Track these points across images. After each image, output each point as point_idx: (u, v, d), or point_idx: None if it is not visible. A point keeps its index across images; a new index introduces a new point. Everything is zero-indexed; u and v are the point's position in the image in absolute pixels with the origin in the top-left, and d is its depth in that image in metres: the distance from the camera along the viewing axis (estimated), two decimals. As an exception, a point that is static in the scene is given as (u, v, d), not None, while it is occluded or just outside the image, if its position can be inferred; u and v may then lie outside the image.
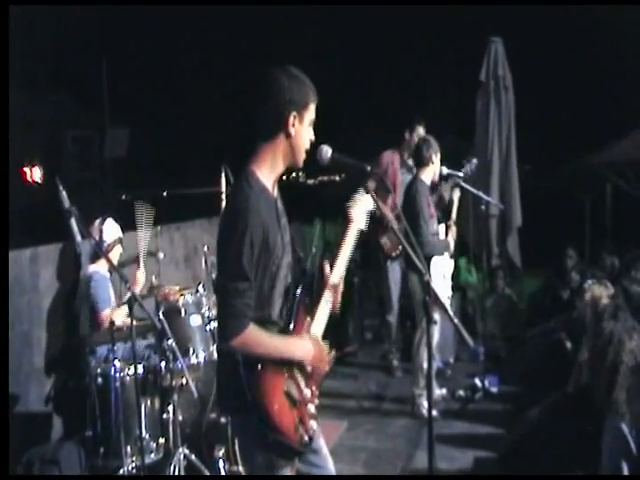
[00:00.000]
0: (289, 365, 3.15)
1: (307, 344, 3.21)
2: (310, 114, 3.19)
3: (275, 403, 3.04)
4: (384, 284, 8.28)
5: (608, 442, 4.48)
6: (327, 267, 3.43)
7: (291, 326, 3.22)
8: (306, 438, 3.14)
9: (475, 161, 7.54)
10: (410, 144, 8.14)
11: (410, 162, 8.21)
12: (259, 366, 3.03)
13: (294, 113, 3.10)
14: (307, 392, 3.22)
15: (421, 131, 8.08)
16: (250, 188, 3.06)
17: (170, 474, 4.93)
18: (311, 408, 3.23)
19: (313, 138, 3.24)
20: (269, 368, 3.06)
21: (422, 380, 6.71)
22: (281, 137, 3.13)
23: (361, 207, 3.62)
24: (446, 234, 7.01)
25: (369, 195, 3.50)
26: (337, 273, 3.44)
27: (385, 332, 8.47)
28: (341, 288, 3.47)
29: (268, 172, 3.16)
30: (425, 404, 6.57)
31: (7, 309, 4.62)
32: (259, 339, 3.04)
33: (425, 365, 6.52)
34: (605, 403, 4.45)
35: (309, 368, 3.24)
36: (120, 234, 5.90)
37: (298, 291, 3.29)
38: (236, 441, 4.92)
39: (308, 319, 3.34)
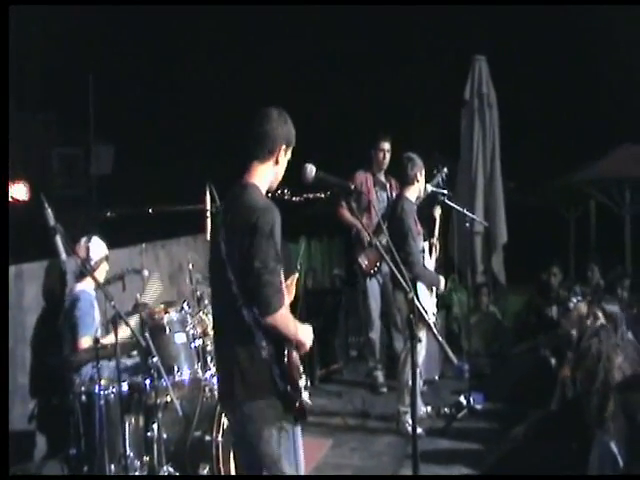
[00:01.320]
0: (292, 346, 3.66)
1: (307, 328, 3.75)
2: (289, 151, 3.82)
3: (299, 376, 3.64)
4: (364, 302, 8.28)
5: (596, 459, 4.48)
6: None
7: None
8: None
9: (446, 170, 7.56)
10: (378, 161, 8.21)
11: (382, 179, 8.27)
12: (286, 349, 3.56)
13: (283, 146, 3.74)
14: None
15: (386, 145, 8.17)
16: (262, 194, 3.69)
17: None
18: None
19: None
20: (292, 349, 3.60)
21: (407, 397, 6.71)
22: (271, 163, 3.74)
23: None
24: (430, 251, 7.02)
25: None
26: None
27: (368, 349, 8.45)
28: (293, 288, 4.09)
29: (263, 187, 3.74)
30: (410, 421, 6.56)
31: (7, 327, 4.63)
32: (290, 316, 3.60)
33: (410, 382, 6.52)
34: (595, 421, 4.45)
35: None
36: (106, 252, 5.88)
37: None
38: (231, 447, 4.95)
39: None
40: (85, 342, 5.41)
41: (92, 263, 5.64)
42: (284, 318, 3.54)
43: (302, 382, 3.69)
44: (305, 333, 3.70)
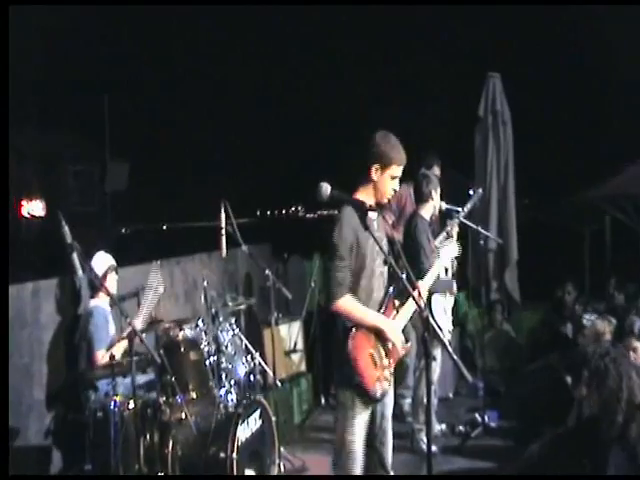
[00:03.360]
0: (376, 338, 4.26)
1: (390, 322, 4.33)
2: (392, 171, 4.29)
3: (361, 359, 4.18)
4: None
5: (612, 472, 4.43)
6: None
7: (381, 311, 4.36)
8: (379, 394, 4.29)
9: (480, 191, 7.56)
10: None
11: None
12: (353, 330, 4.17)
13: (375, 166, 4.25)
14: (385, 361, 4.32)
15: (437, 171, 8.11)
16: (349, 210, 4.18)
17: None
18: (387, 374, 4.34)
19: (397, 188, 4.39)
20: (361, 334, 4.19)
21: (421, 415, 6.69)
22: (368, 181, 4.29)
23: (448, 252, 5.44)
24: (446, 268, 7.00)
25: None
26: (425, 284, 4.77)
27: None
28: (424, 294, 4.55)
29: (368, 202, 4.23)
30: (424, 439, 6.54)
31: (7, 343, 4.64)
32: (355, 306, 4.22)
33: (425, 400, 6.50)
34: (617, 439, 4.41)
35: (390, 345, 4.30)
36: (110, 263, 5.88)
37: (390, 289, 4.42)
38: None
39: (394, 312, 4.45)
40: (100, 356, 5.44)
41: (99, 276, 5.66)
42: (344, 310, 4.24)
43: (367, 360, 4.26)
44: (386, 321, 4.34)
